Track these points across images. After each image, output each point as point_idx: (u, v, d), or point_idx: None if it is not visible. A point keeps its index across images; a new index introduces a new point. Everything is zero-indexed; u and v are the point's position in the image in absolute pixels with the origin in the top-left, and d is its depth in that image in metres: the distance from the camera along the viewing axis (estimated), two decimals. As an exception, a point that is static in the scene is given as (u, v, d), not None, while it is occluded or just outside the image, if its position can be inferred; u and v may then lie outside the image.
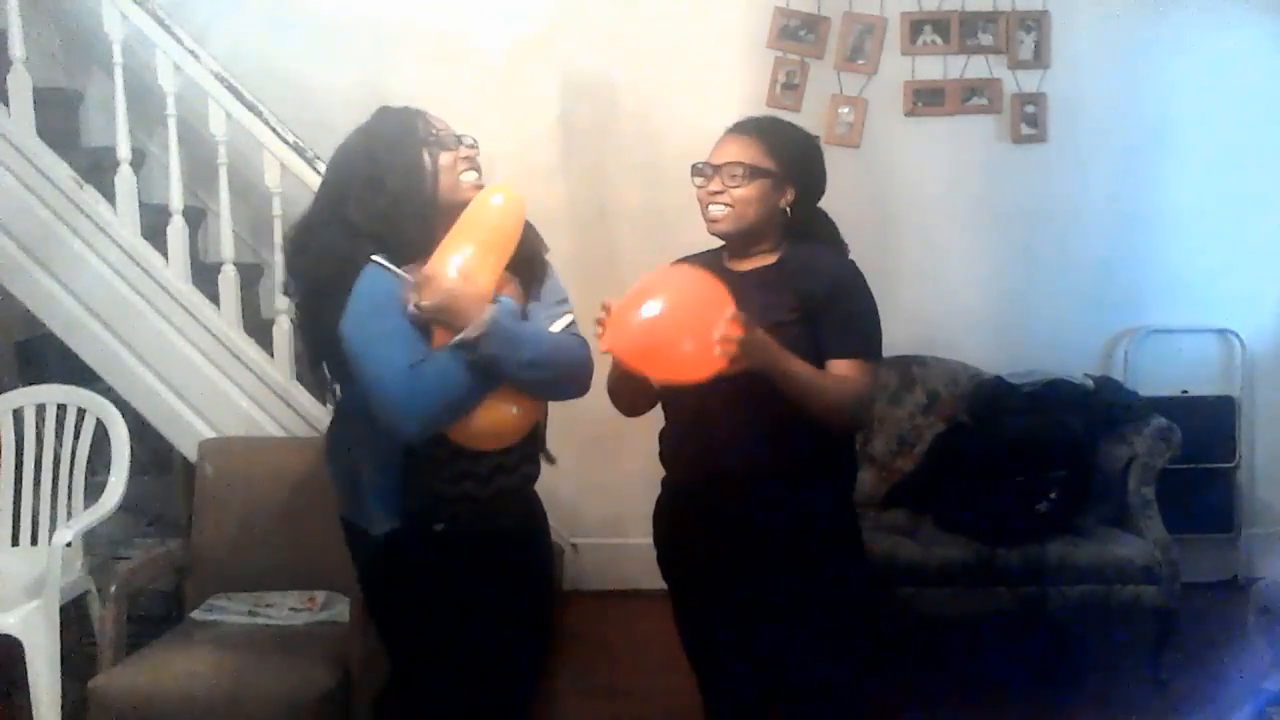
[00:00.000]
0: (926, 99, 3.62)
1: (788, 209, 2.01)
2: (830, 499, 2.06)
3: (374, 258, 1.77)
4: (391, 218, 1.80)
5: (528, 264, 1.91)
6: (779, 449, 1.90)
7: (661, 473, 2.16)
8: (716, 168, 1.98)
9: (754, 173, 1.96)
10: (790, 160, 2.00)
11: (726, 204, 1.97)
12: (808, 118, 3.61)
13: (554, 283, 1.97)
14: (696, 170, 2.02)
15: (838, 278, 1.99)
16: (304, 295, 1.88)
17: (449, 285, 1.72)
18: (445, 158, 1.86)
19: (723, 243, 2.06)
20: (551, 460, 2.03)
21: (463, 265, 1.76)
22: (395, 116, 1.90)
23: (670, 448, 2.11)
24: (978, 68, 3.61)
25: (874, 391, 2.02)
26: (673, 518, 2.14)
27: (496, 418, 1.81)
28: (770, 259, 2.03)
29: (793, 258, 2.02)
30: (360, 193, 1.81)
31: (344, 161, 1.88)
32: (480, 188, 1.88)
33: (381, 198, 1.80)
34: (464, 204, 1.85)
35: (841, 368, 1.93)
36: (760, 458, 1.90)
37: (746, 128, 2.03)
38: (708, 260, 2.04)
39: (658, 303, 1.75)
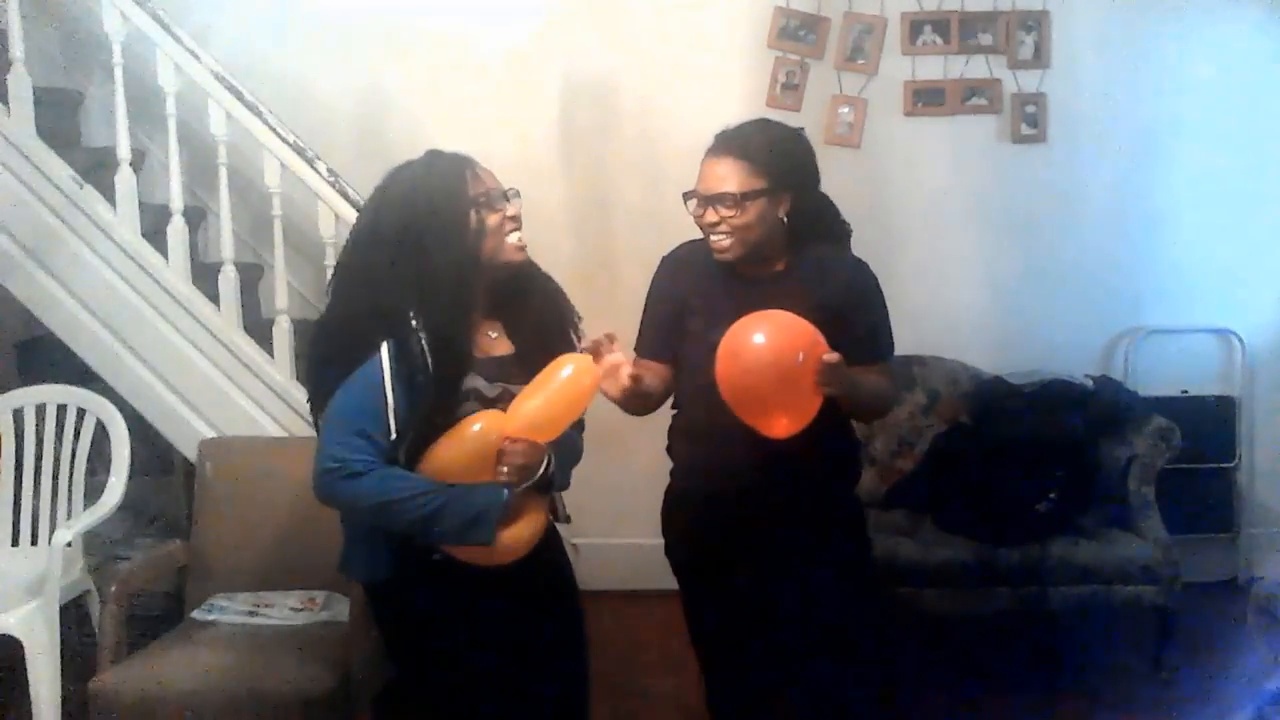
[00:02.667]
0: (926, 99, 3.62)
1: (784, 217, 1.99)
2: (843, 488, 2.11)
3: (385, 347, 1.70)
4: (430, 277, 1.72)
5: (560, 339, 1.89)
6: (793, 441, 1.89)
7: (662, 472, 2.16)
8: (709, 199, 1.96)
9: (747, 197, 1.93)
10: (779, 169, 1.97)
11: (727, 233, 1.96)
12: (808, 118, 3.60)
13: None
14: (689, 197, 2.00)
15: (853, 283, 2.03)
16: (323, 338, 1.82)
17: (523, 459, 1.72)
18: (493, 219, 1.78)
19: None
20: (565, 520, 2.01)
21: (536, 423, 1.74)
22: (445, 167, 1.80)
23: (684, 440, 2.13)
24: (978, 68, 3.61)
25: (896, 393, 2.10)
26: (686, 508, 2.14)
27: (518, 536, 1.79)
28: (779, 265, 2.04)
29: (802, 263, 2.02)
30: (400, 247, 1.73)
31: (387, 208, 1.78)
32: (523, 248, 1.83)
33: (423, 256, 1.72)
34: (506, 266, 1.81)
35: (875, 368, 2.01)
36: (775, 449, 1.89)
37: (729, 147, 1.98)
38: (712, 261, 2.03)
39: (758, 348, 1.82)
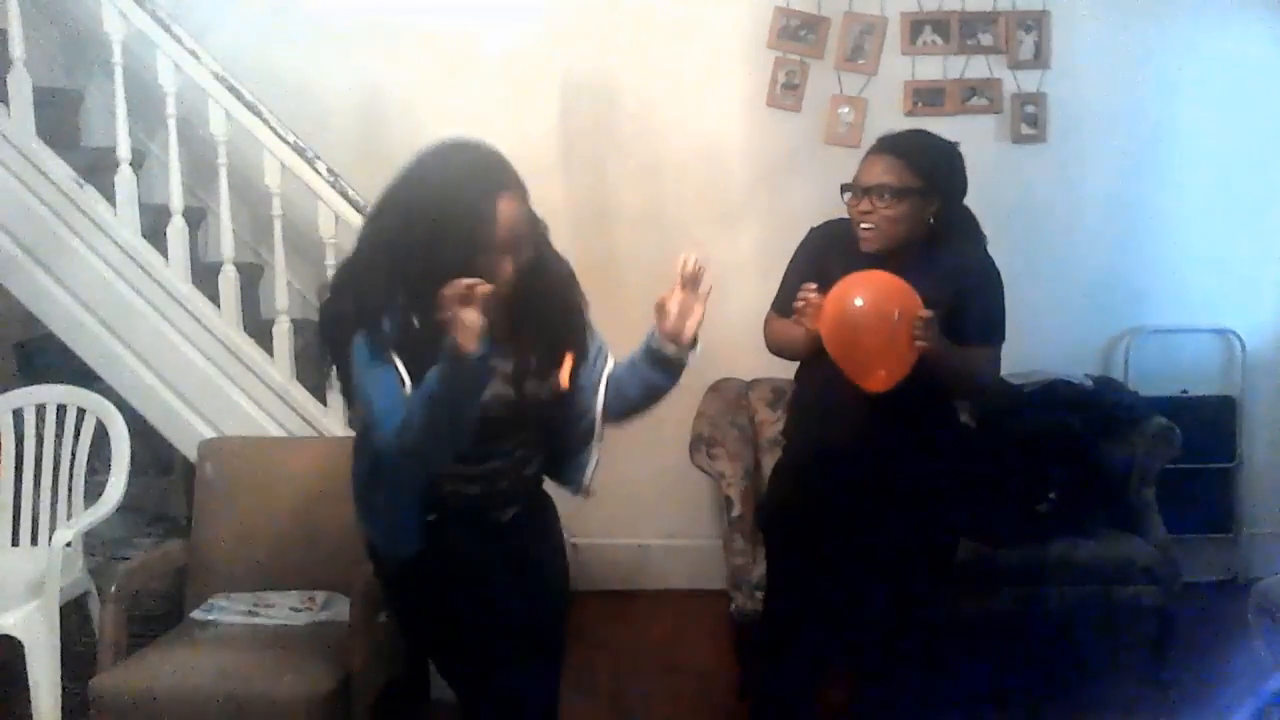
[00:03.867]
0: (926, 99, 3.62)
1: (931, 219, 2.17)
2: (940, 468, 2.26)
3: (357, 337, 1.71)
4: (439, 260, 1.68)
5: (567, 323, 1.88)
6: (902, 421, 2.14)
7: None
8: (865, 189, 2.13)
9: (901, 193, 2.11)
10: (934, 174, 2.16)
11: (876, 224, 2.13)
12: (808, 118, 3.61)
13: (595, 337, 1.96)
14: (846, 189, 2.17)
15: (978, 270, 2.21)
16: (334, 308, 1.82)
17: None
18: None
19: (785, 230, 2.33)
20: (587, 493, 2.02)
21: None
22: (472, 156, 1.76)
23: (799, 414, 2.35)
24: (978, 68, 3.61)
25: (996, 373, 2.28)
26: (791, 477, 2.34)
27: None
28: (914, 248, 2.19)
29: (934, 248, 2.18)
30: (419, 231, 1.70)
31: (415, 188, 1.75)
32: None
33: (441, 244, 1.69)
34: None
35: (982, 352, 2.18)
36: (884, 428, 2.13)
37: (893, 146, 2.18)
38: (849, 236, 2.20)
39: (863, 298, 2.05)
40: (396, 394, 1.71)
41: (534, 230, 1.80)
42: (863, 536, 2.21)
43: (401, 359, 1.72)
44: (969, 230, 2.29)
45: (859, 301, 2.06)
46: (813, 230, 2.36)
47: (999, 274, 2.24)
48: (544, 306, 1.86)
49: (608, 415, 1.93)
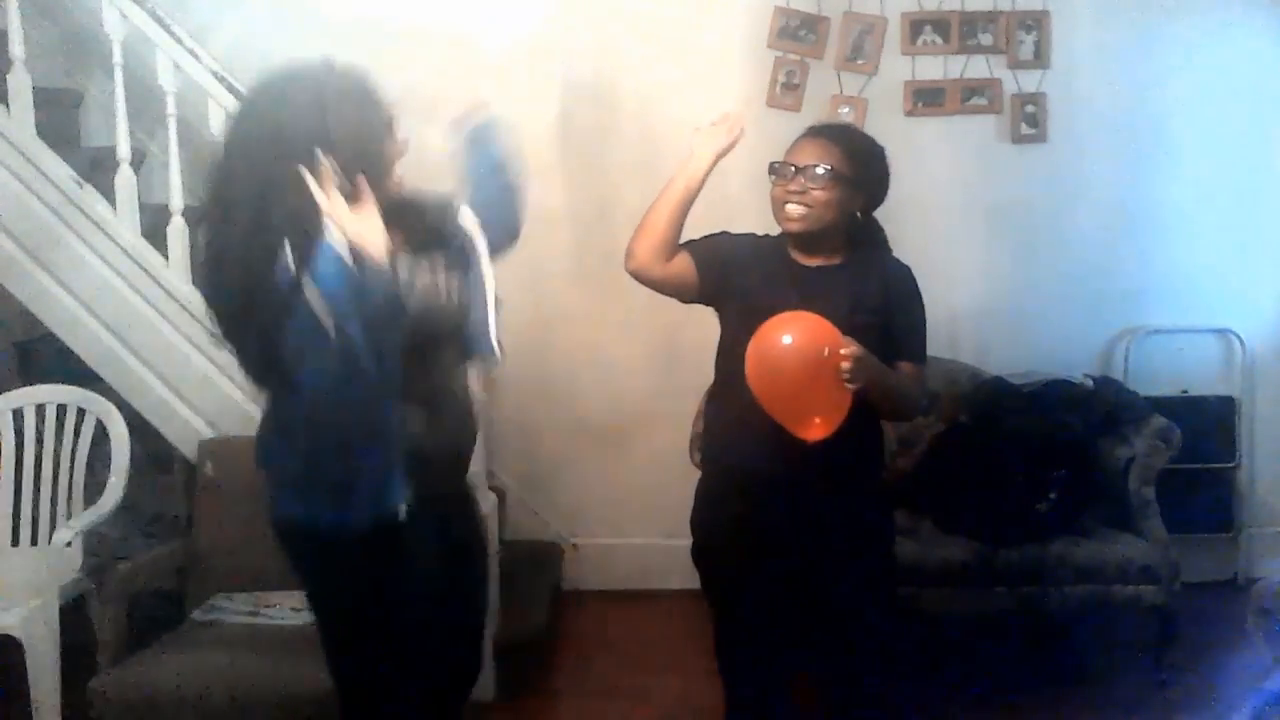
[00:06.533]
0: (926, 99, 3.62)
1: (858, 213, 2.13)
2: (870, 477, 2.20)
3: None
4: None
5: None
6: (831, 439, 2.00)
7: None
8: (799, 168, 2.07)
9: (836, 176, 2.06)
10: (868, 167, 2.13)
11: (806, 205, 2.07)
12: (808, 118, 3.60)
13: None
14: (775, 169, 2.11)
15: (897, 283, 2.16)
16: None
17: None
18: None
19: (780, 232, 2.18)
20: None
21: None
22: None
23: (720, 436, 2.22)
24: (978, 68, 3.61)
25: (925, 393, 2.21)
26: (716, 503, 2.22)
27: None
28: (836, 259, 2.15)
29: (857, 260, 2.14)
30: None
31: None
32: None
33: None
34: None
35: (908, 369, 2.12)
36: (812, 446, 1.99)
37: (826, 132, 2.14)
38: (772, 247, 2.17)
39: (785, 347, 1.93)
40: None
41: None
42: (795, 577, 2.13)
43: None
44: (880, 240, 2.23)
45: (783, 344, 1.95)
46: (729, 233, 2.28)
47: (917, 284, 2.20)
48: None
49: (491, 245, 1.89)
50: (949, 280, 3.69)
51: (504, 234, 2.00)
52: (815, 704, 2.27)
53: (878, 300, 2.10)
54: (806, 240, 2.12)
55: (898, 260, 2.23)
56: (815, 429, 1.93)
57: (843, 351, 1.89)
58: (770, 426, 1.97)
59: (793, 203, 2.08)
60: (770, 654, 2.21)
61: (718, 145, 2.14)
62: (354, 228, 1.62)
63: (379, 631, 1.85)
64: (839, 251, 2.15)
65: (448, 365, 1.89)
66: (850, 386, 1.91)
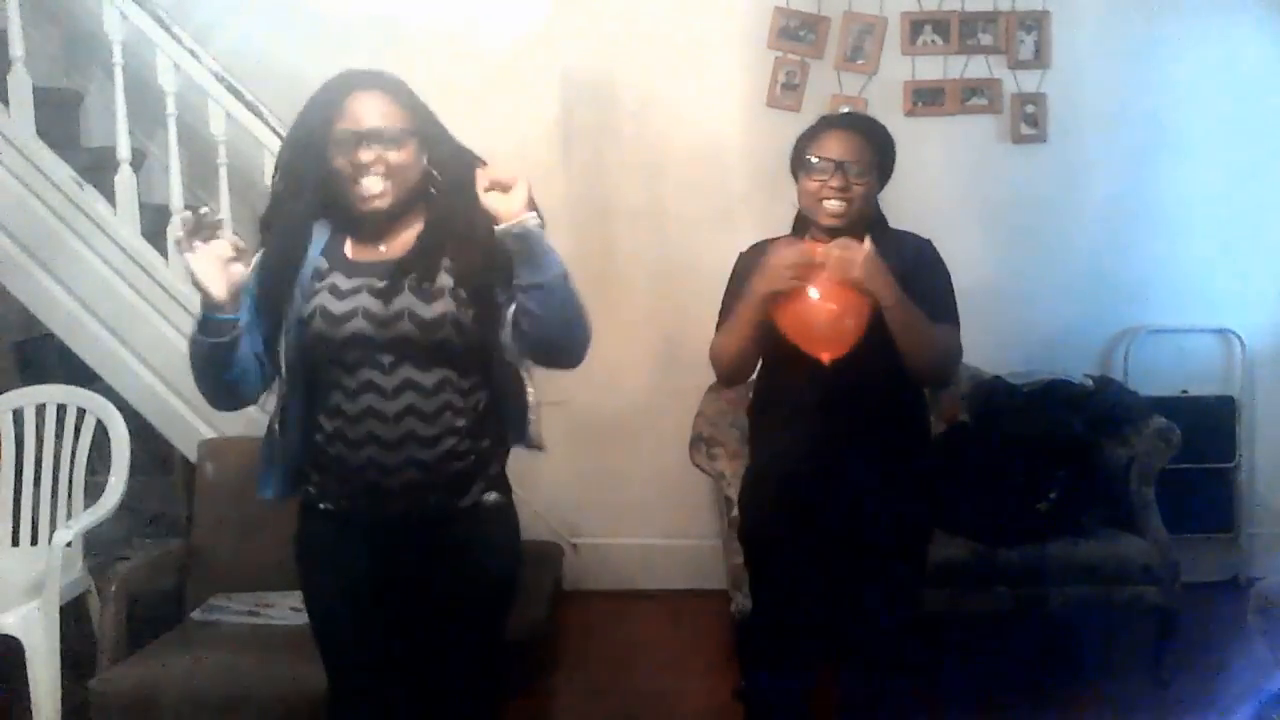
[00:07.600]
0: (926, 99, 3.62)
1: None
2: (914, 460, 2.27)
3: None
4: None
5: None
6: (869, 419, 2.13)
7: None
8: (840, 164, 2.11)
9: (870, 167, 2.13)
10: (889, 154, 2.20)
11: (848, 200, 2.12)
12: (808, 118, 3.58)
13: None
14: (816, 167, 2.13)
15: (921, 253, 2.22)
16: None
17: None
18: (340, 163, 1.81)
19: (788, 231, 2.26)
20: (539, 447, 2.00)
21: None
22: (319, 96, 1.90)
23: (764, 418, 2.31)
24: (978, 68, 3.61)
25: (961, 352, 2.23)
26: (765, 485, 2.28)
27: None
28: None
29: (875, 239, 2.14)
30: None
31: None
32: (380, 195, 1.84)
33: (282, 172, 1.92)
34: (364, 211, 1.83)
35: (945, 326, 2.15)
36: (851, 428, 2.11)
37: (853, 123, 2.20)
38: (788, 246, 2.18)
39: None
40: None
41: (420, 126, 1.88)
42: (838, 539, 2.19)
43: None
44: (883, 217, 2.30)
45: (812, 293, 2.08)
46: (743, 254, 2.32)
47: (939, 254, 2.27)
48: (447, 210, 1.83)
49: (521, 343, 1.84)
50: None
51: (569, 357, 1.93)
52: (831, 698, 2.34)
53: (902, 271, 2.12)
54: (837, 232, 2.14)
55: (916, 235, 2.28)
56: (835, 339, 2.03)
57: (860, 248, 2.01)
58: (814, 405, 2.08)
59: (835, 199, 2.12)
60: (802, 641, 2.28)
61: (774, 286, 2.10)
62: (195, 275, 1.77)
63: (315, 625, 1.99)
64: (860, 234, 2.15)
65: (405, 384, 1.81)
66: (865, 284, 2.00)
